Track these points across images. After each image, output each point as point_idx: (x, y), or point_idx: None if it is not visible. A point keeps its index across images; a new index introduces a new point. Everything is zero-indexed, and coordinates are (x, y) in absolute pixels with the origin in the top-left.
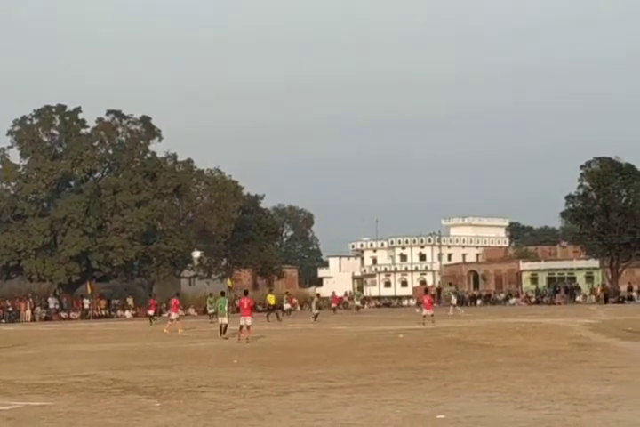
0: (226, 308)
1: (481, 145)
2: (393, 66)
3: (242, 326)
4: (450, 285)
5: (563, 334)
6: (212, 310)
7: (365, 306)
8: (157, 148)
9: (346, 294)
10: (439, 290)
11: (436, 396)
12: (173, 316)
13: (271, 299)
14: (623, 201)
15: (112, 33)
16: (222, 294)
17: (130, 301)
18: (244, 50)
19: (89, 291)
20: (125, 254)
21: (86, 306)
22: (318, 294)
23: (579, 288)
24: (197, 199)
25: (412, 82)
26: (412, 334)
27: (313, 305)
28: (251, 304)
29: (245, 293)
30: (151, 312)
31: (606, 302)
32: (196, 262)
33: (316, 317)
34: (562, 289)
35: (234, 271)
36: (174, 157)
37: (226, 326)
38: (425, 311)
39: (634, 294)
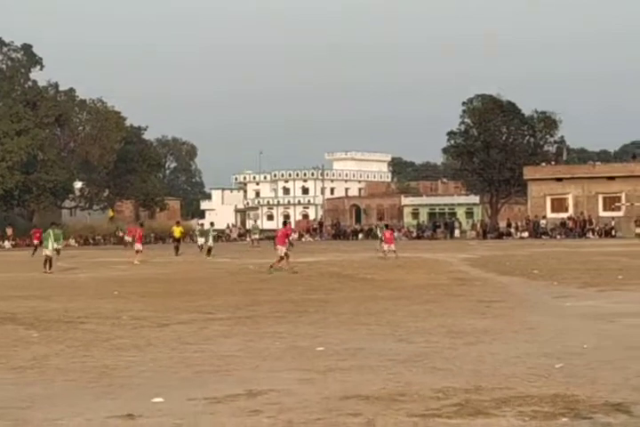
0: (50, 241)
1: (367, 76)
2: None
3: (281, 257)
4: (380, 220)
5: (442, 269)
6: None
7: (247, 239)
8: (39, 76)
9: (228, 227)
10: (321, 224)
11: (316, 328)
12: (138, 247)
13: (176, 231)
14: (504, 138)
15: None
16: (53, 225)
17: (9, 231)
18: None
19: None
20: (5, 184)
21: None
22: (212, 223)
23: (459, 223)
24: (79, 129)
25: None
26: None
27: (209, 238)
28: (286, 233)
29: (284, 223)
30: (36, 242)
31: (485, 237)
32: (77, 193)
33: (209, 250)
34: (442, 224)
35: (115, 203)
36: (56, 86)
37: (50, 258)
38: (386, 246)
39: (512, 229)
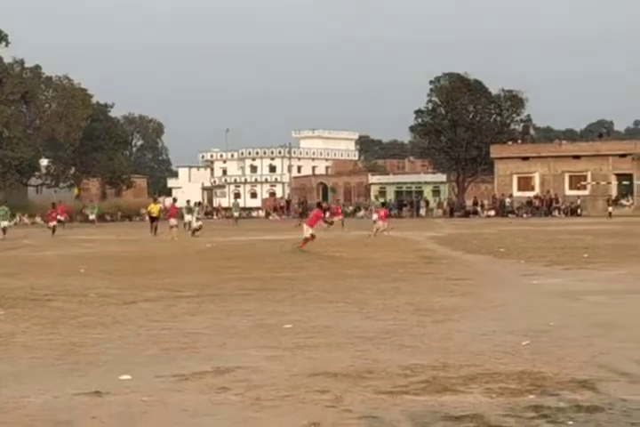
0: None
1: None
2: None
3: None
4: (376, 198)
5: (410, 247)
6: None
7: (215, 217)
8: (4, 53)
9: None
10: (288, 202)
11: (284, 306)
12: (173, 222)
13: (154, 209)
14: (470, 117)
15: None
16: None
17: None
18: None
19: None
20: None
21: None
22: (188, 201)
23: (426, 202)
24: (45, 106)
25: None
26: (262, 245)
27: (194, 216)
28: (318, 215)
29: (318, 205)
30: None
31: (452, 216)
32: (43, 171)
33: (196, 229)
34: (408, 203)
35: (82, 180)
36: (22, 62)
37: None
38: (380, 223)
39: (479, 208)
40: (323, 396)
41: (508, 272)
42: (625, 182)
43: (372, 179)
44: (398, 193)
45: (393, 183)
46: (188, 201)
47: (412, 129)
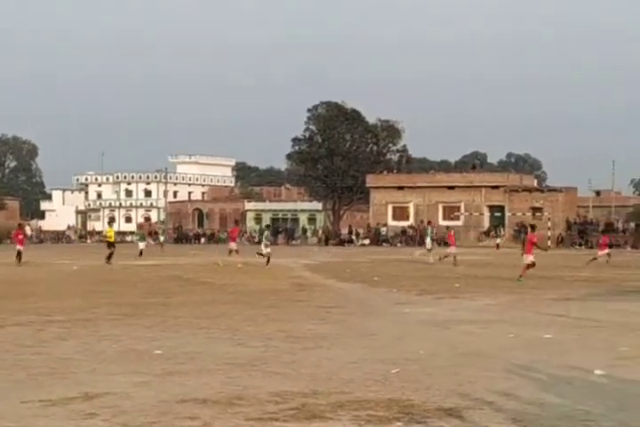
0: None
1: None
2: None
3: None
4: (267, 227)
5: (283, 274)
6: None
7: (88, 240)
8: None
9: (69, 227)
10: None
11: (155, 332)
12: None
13: (111, 233)
14: (347, 145)
15: None
16: None
17: None
18: None
19: None
20: None
21: None
22: (140, 226)
23: (304, 229)
24: None
25: None
26: (133, 270)
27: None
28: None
29: (532, 227)
30: None
31: (327, 244)
32: None
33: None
34: (284, 230)
35: None
36: None
37: None
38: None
39: (354, 237)
40: (192, 422)
41: (380, 301)
42: (497, 214)
43: (249, 205)
44: (274, 220)
45: (269, 210)
46: (139, 226)
47: (289, 157)
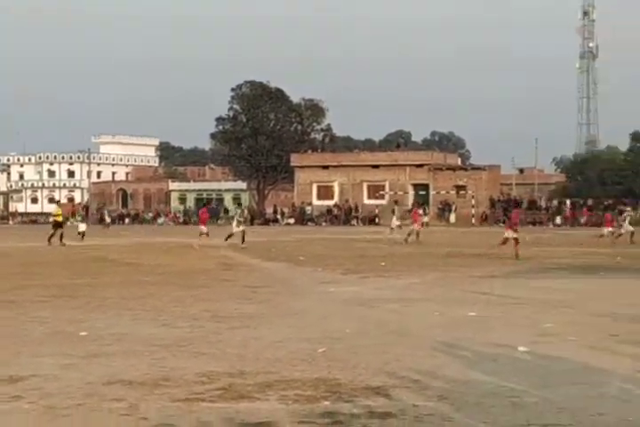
0: None
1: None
2: None
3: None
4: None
5: (209, 254)
6: None
7: (10, 222)
8: None
9: None
10: (86, 208)
11: (81, 313)
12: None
13: (59, 213)
14: (271, 125)
15: None
16: None
17: None
18: None
19: None
20: None
21: None
22: (85, 208)
23: (226, 209)
24: None
25: None
26: (59, 252)
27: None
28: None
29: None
30: None
31: (252, 223)
32: None
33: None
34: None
35: None
36: None
37: None
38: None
39: (279, 216)
40: (118, 404)
41: (305, 280)
42: (421, 192)
43: (173, 185)
44: (199, 200)
45: (193, 190)
46: (84, 208)
47: (213, 136)
